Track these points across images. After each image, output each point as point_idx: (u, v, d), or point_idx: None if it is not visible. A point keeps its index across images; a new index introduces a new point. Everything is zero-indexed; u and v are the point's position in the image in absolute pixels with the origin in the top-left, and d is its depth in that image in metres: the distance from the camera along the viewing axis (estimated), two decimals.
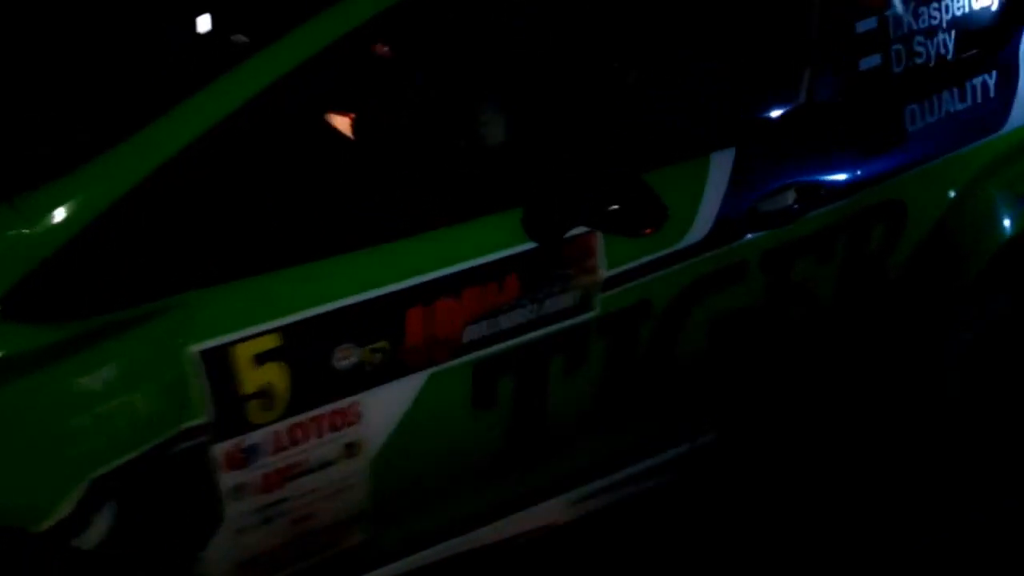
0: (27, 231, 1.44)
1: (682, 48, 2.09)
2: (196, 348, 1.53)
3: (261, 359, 1.58)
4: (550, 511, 2.15)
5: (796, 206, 2.14)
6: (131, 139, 1.51)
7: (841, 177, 2.23)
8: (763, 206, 2.10)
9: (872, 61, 2.26)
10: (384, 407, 1.74)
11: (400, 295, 1.68)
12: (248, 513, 1.69)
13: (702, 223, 2.01)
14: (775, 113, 2.16)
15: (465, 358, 1.79)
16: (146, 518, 1.57)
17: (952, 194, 2.42)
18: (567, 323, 1.89)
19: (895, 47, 2.28)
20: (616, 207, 1.73)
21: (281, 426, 1.65)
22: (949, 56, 2.38)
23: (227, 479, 1.64)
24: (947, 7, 2.36)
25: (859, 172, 2.25)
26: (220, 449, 1.60)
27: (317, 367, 1.63)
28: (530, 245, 1.79)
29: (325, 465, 1.73)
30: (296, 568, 1.83)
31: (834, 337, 2.40)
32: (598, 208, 1.74)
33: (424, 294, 1.70)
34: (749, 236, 2.10)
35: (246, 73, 1.58)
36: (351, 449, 1.75)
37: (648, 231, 1.74)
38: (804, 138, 2.19)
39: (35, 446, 1.41)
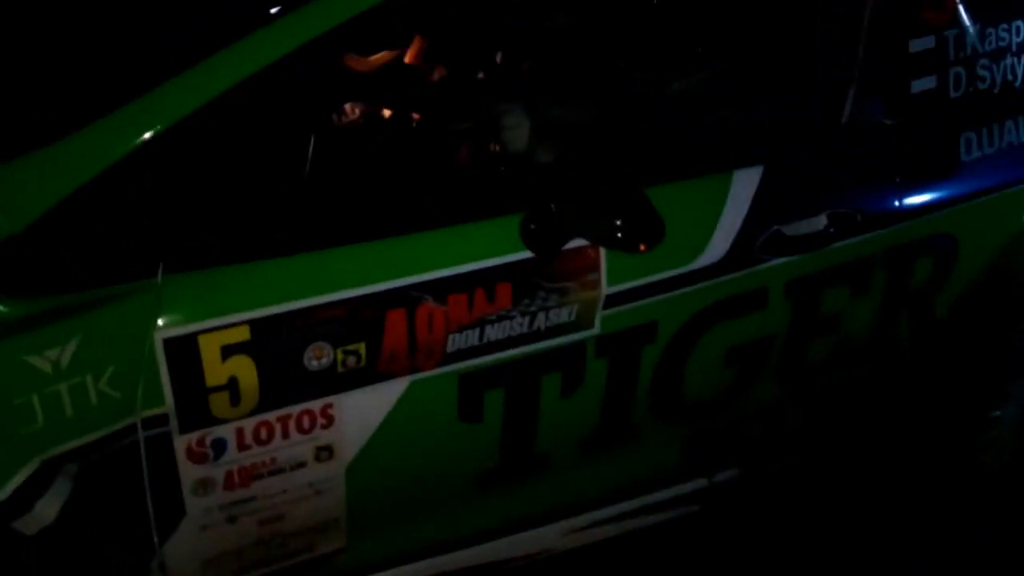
0: None
1: (714, 59, 1.98)
2: (160, 335, 1.49)
3: (228, 351, 1.54)
4: (545, 537, 2.06)
5: (828, 232, 2.01)
6: (107, 118, 1.48)
7: (882, 205, 2.09)
8: (790, 230, 1.98)
9: (926, 83, 2.11)
10: (360, 412, 1.68)
11: (379, 297, 1.62)
12: (213, 509, 1.65)
13: (718, 244, 1.89)
14: (812, 132, 2.04)
15: (450, 367, 1.72)
16: (102, 504, 1.53)
17: (1010, 232, 2.25)
18: (563, 340, 1.80)
19: (954, 70, 2.13)
20: (613, 220, 1.64)
21: (248, 422, 1.60)
22: (1017, 83, 2.21)
23: (190, 472, 1.59)
24: (1019, 29, 2.20)
25: (904, 201, 2.11)
26: (183, 441, 1.56)
27: (287, 365, 1.58)
28: (525, 254, 1.71)
29: (296, 467, 1.68)
30: (264, 571, 1.78)
31: (868, 374, 2.25)
32: (594, 220, 1.65)
33: (405, 298, 1.64)
34: (772, 261, 1.98)
35: (231, 57, 1.54)
36: (324, 453, 1.69)
37: (643, 248, 1.64)
38: (843, 161, 2.06)
39: None
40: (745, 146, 1.95)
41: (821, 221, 2.01)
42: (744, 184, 1.91)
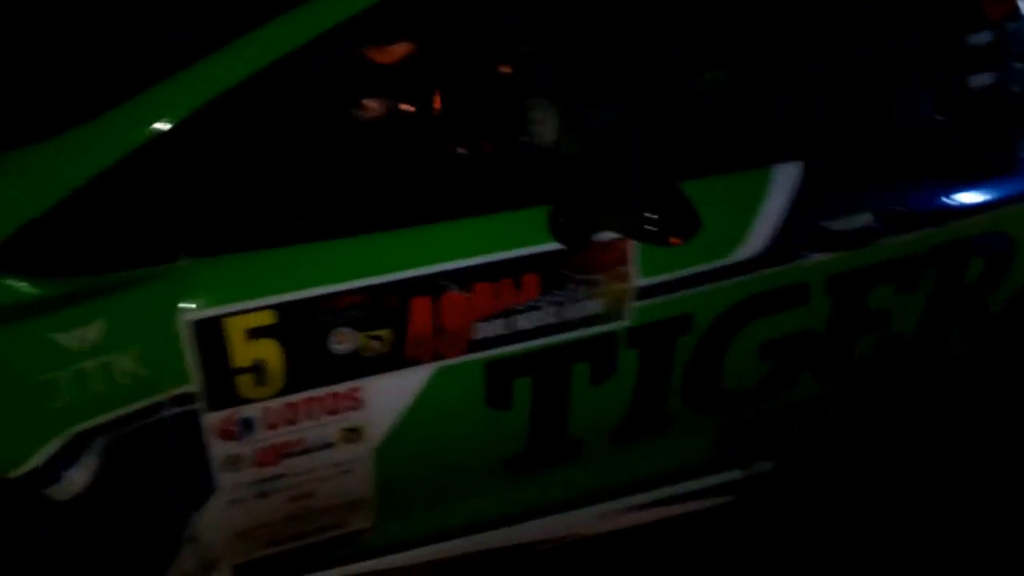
0: (15, 191, 1.46)
1: (758, 52, 1.94)
2: (188, 317, 1.52)
3: (254, 334, 1.57)
4: (575, 521, 2.07)
5: (872, 229, 1.97)
6: (130, 102, 1.51)
7: (932, 203, 2.03)
8: (833, 225, 1.94)
9: (984, 79, 2.04)
10: (387, 396, 1.70)
11: (404, 284, 1.63)
12: (242, 485, 1.69)
13: (757, 238, 1.87)
14: (859, 127, 1.98)
15: (477, 355, 1.73)
16: (133, 476, 1.59)
17: None
18: (594, 330, 1.80)
19: (1017, 65, 2.06)
20: (646, 214, 1.63)
21: (276, 403, 1.63)
22: None
23: (220, 448, 1.63)
24: None
25: (955, 199, 2.05)
26: (212, 419, 1.60)
27: (312, 348, 1.61)
28: (553, 245, 1.71)
29: (324, 447, 1.71)
30: (293, 546, 1.83)
31: (914, 373, 2.21)
32: (626, 213, 1.64)
33: (430, 285, 1.65)
34: (814, 257, 1.94)
35: (256, 41, 1.56)
36: (352, 434, 1.72)
37: (675, 241, 1.63)
38: (890, 157, 2.00)
39: (16, 394, 1.43)
40: (786, 140, 1.91)
41: (866, 217, 1.97)
42: (784, 179, 1.87)
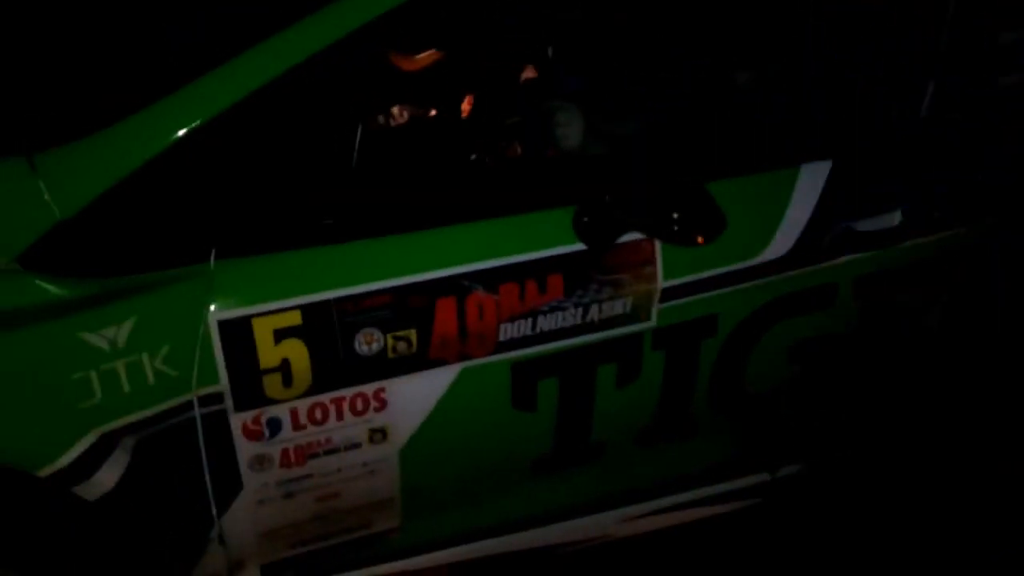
0: (47, 192, 1.48)
1: (783, 50, 1.93)
2: (214, 317, 1.54)
3: (280, 335, 1.58)
4: (600, 524, 2.07)
5: (902, 229, 1.95)
6: (158, 104, 1.52)
7: (963, 202, 2.01)
8: (861, 226, 1.92)
9: (1015, 77, 2.02)
10: (412, 397, 1.71)
11: (430, 285, 1.64)
12: (270, 484, 1.70)
13: (783, 239, 1.85)
14: (888, 126, 1.97)
15: (502, 356, 1.73)
16: (161, 476, 1.60)
17: None
18: (619, 331, 1.79)
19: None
20: (670, 213, 1.62)
21: (302, 403, 1.64)
22: None
23: (247, 448, 1.65)
24: None
25: (987, 199, 2.02)
26: (239, 419, 1.61)
27: (338, 349, 1.62)
28: (578, 246, 1.71)
29: (350, 447, 1.72)
30: (320, 547, 1.84)
31: (945, 374, 2.19)
32: (650, 213, 1.64)
33: (455, 286, 1.65)
34: (841, 257, 1.93)
35: (284, 42, 1.57)
36: (378, 435, 1.72)
37: (700, 241, 1.62)
38: (920, 156, 1.98)
39: (46, 393, 1.45)
40: (813, 140, 1.90)
41: (895, 217, 1.95)
42: (811, 179, 1.86)
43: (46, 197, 1.49)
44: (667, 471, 2.08)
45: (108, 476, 1.52)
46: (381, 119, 1.98)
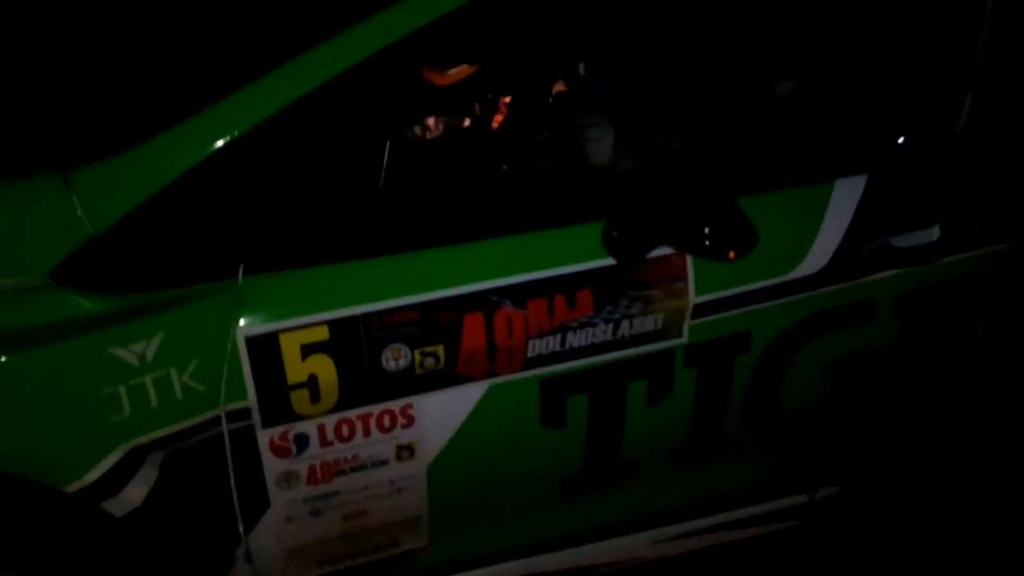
0: (81, 208, 1.49)
1: (816, 62, 1.91)
2: (242, 333, 1.54)
3: (308, 350, 1.58)
4: (632, 546, 2.03)
5: (941, 245, 1.91)
6: (187, 121, 1.53)
7: (1003, 216, 1.97)
8: (899, 241, 1.88)
9: None
10: (440, 413, 1.69)
11: (457, 300, 1.62)
12: (297, 502, 1.69)
13: (818, 254, 1.82)
14: (924, 140, 1.93)
15: (531, 372, 1.71)
16: (188, 492, 1.60)
17: None
18: (649, 348, 1.77)
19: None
20: (701, 227, 1.60)
21: (329, 419, 1.63)
22: None
23: (274, 465, 1.64)
24: None
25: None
26: (266, 435, 1.61)
27: (366, 365, 1.61)
28: (607, 261, 1.69)
29: (378, 464, 1.71)
30: (347, 565, 1.82)
31: (989, 391, 2.13)
32: (680, 227, 1.61)
33: (483, 302, 1.64)
34: (880, 273, 1.89)
35: (312, 60, 1.56)
36: (405, 452, 1.71)
37: (732, 256, 1.59)
38: (958, 170, 1.94)
39: (75, 408, 1.45)
40: (849, 154, 1.87)
41: (934, 232, 1.91)
42: (847, 193, 1.83)
43: (79, 213, 1.50)
44: (701, 491, 2.04)
45: (136, 492, 1.52)
46: (417, 130, 1.99)
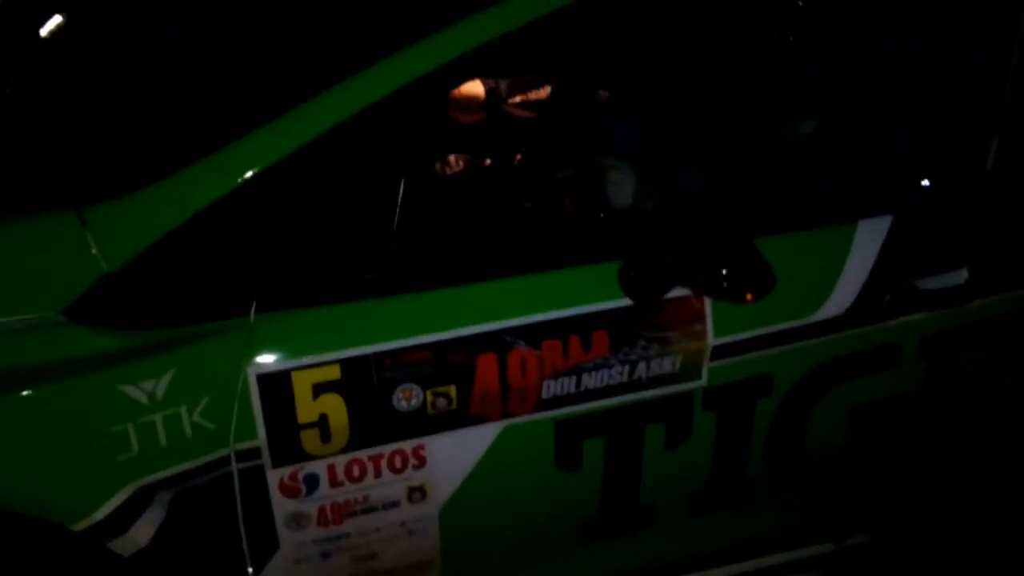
0: (95, 246, 1.49)
1: (842, 102, 1.88)
2: (253, 371, 1.53)
3: (319, 389, 1.56)
4: None
5: (969, 288, 1.87)
6: (201, 161, 1.53)
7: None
8: (924, 284, 1.84)
9: None
10: (452, 455, 1.67)
11: (470, 340, 1.61)
12: (307, 543, 1.67)
13: (841, 297, 1.79)
14: (949, 183, 1.90)
15: (545, 414, 1.68)
16: (195, 532, 1.58)
17: None
18: (667, 390, 1.74)
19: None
20: (718, 269, 1.57)
21: (340, 460, 1.61)
22: None
23: (283, 506, 1.62)
24: None
25: None
26: (276, 475, 1.59)
27: (377, 405, 1.59)
28: (624, 301, 1.66)
29: (389, 506, 1.68)
30: None
31: (1017, 440, 2.07)
32: (698, 268, 1.58)
33: (497, 342, 1.62)
34: (906, 317, 1.85)
35: (326, 101, 1.57)
36: (416, 493, 1.68)
37: (750, 298, 1.56)
38: (984, 213, 1.90)
39: (84, 446, 1.45)
40: (873, 195, 1.84)
41: (961, 276, 1.87)
42: (870, 234, 1.79)
43: (93, 251, 1.50)
44: (723, 539, 1.99)
45: (143, 531, 1.51)
46: (438, 166, 1.99)
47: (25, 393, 1.43)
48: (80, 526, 1.45)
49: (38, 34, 1.98)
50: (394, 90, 1.57)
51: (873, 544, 2.12)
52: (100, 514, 1.46)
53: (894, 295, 1.82)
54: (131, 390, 1.47)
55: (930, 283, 1.85)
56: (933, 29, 1.88)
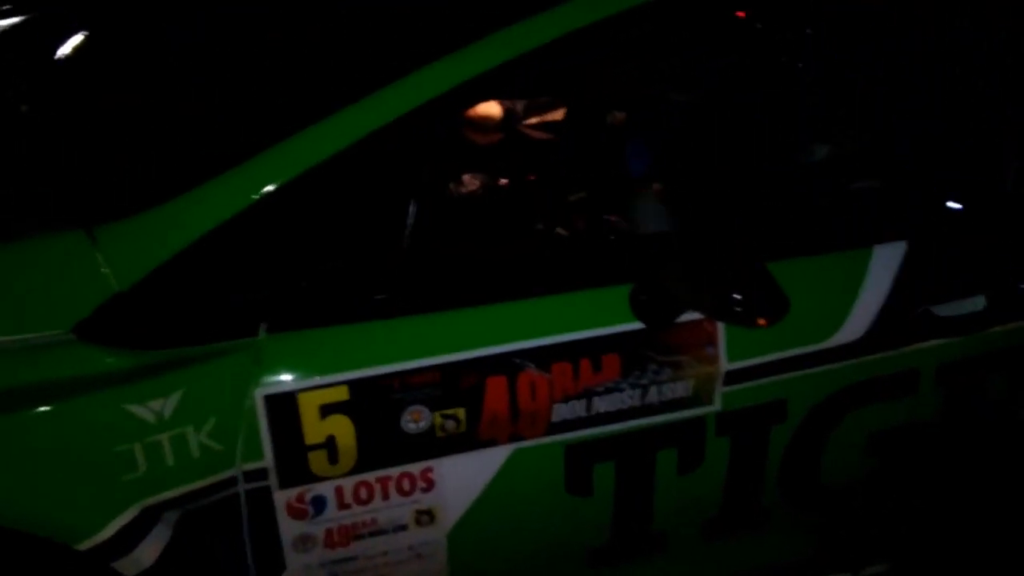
0: (105, 265, 1.49)
1: (855, 126, 1.87)
2: (260, 392, 1.52)
3: (327, 410, 1.55)
4: None
5: (988, 314, 1.84)
6: (211, 182, 1.53)
7: None
8: (941, 310, 1.82)
9: None
10: (461, 478, 1.65)
11: (479, 363, 1.59)
12: (313, 566, 1.65)
13: (856, 322, 1.76)
14: (968, 205, 1.87)
15: (555, 438, 1.67)
16: (201, 553, 1.57)
17: None
18: (679, 415, 1.72)
19: None
20: (731, 294, 1.55)
21: (347, 481, 1.60)
22: None
23: (290, 527, 1.61)
24: None
25: None
26: (283, 496, 1.58)
27: (385, 426, 1.58)
28: (635, 325, 1.65)
29: (397, 529, 1.67)
30: None
31: None
32: (710, 292, 1.57)
33: (506, 364, 1.61)
34: (924, 343, 1.82)
35: (338, 122, 1.57)
36: (424, 517, 1.67)
37: (763, 323, 1.54)
38: (1004, 236, 1.88)
39: (90, 465, 1.44)
40: (888, 219, 1.81)
41: (979, 302, 1.84)
42: (886, 260, 1.77)
43: (104, 270, 1.51)
44: (736, 567, 1.96)
45: (148, 552, 1.50)
46: (452, 187, 1.98)
47: (33, 410, 1.43)
48: (85, 546, 1.44)
49: (52, 53, 2.00)
50: (411, 110, 1.57)
51: (892, 573, 2.09)
52: (106, 534, 1.45)
53: (910, 321, 1.80)
54: (139, 409, 1.46)
55: (947, 309, 1.82)
56: (948, 50, 1.86)
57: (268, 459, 1.54)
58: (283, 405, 1.53)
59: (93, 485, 1.45)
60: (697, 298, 1.59)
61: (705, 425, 1.74)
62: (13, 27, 1.99)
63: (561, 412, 1.65)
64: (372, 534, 1.66)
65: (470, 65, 1.61)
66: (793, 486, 1.87)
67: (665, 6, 1.71)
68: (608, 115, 2.00)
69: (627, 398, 1.67)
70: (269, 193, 1.53)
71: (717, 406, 1.73)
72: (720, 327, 1.68)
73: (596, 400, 1.66)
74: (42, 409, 1.43)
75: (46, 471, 1.43)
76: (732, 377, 1.72)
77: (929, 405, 1.88)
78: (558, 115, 2.17)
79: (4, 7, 1.99)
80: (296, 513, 1.60)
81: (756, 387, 1.74)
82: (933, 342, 1.82)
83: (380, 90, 1.60)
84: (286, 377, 1.53)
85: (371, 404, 1.56)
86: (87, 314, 1.49)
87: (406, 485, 1.63)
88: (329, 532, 1.63)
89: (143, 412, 1.46)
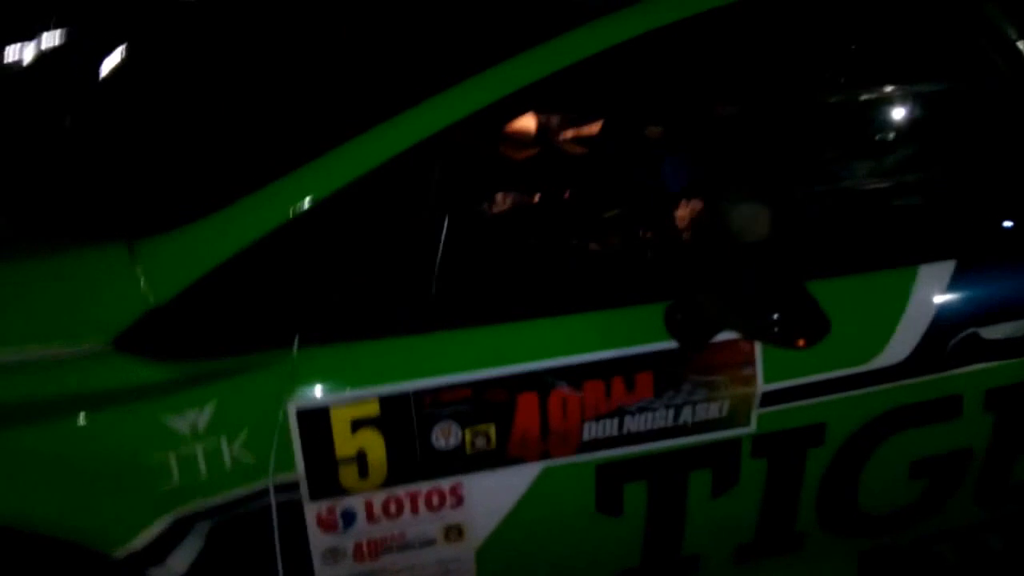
0: (144, 278, 1.52)
1: (902, 143, 1.83)
2: (293, 405, 1.53)
3: (358, 425, 1.56)
4: None
5: None
6: (247, 198, 1.55)
7: None
8: (988, 333, 1.77)
9: None
10: (490, 495, 1.64)
11: (510, 380, 1.59)
12: None
13: (899, 345, 1.72)
14: (1021, 223, 1.82)
15: (586, 456, 1.65)
16: (232, 564, 1.59)
17: None
18: (713, 436, 1.69)
19: None
20: (770, 314, 1.52)
21: (377, 496, 1.60)
22: None
23: (320, 540, 1.61)
24: None
25: None
26: (313, 508, 1.59)
27: (415, 442, 1.58)
28: (670, 344, 1.63)
29: (425, 544, 1.66)
30: None
31: None
32: (748, 312, 1.54)
33: (538, 382, 1.60)
34: (969, 367, 1.78)
35: (373, 138, 1.58)
36: (453, 532, 1.66)
37: (802, 344, 1.51)
38: None
39: (126, 474, 1.47)
40: (936, 237, 1.77)
41: None
42: (931, 280, 1.73)
43: (142, 284, 1.53)
44: None
45: (181, 561, 1.51)
46: (486, 202, 1.98)
47: (71, 421, 1.45)
48: (119, 554, 1.46)
49: (95, 68, 2.04)
50: (449, 124, 1.57)
51: None
52: (139, 543, 1.47)
53: (956, 344, 1.75)
54: (173, 420, 1.48)
55: (994, 332, 1.78)
56: (997, 64, 1.81)
57: (299, 471, 1.55)
58: (315, 418, 1.54)
59: (129, 494, 1.47)
60: (734, 318, 1.57)
61: (740, 447, 1.72)
62: (57, 43, 2.03)
63: (592, 431, 1.64)
64: (401, 548, 1.66)
65: (511, 80, 1.61)
66: (830, 511, 1.84)
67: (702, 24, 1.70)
68: (645, 129, 1.98)
69: (660, 418, 1.65)
70: (304, 209, 1.54)
71: (753, 428, 1.70)
72: (758, 347, 1.66)
73: (628, 419, 1.64)
74: (81, 419, 1.46)
75: (84, 479, 1.45)
76: (769, 398, 1.69)
77: (977, 431, 1.83)
78: (594, 129, 2.16)
79: (50, 24, 2.04)
80: (326, 525, 1.61)
81: (794, 409, 1.71)
82: (980, 365, 1.77)
83: (418, 105, 1.60)
84: (318, 391, 1.54)
85: (402, 419, 1.57)
86: (126, 326, 1.52)
87: (435, 500, 1.63)
88: (358, 545, 1.64)
89: (178, 423, 1.48)
